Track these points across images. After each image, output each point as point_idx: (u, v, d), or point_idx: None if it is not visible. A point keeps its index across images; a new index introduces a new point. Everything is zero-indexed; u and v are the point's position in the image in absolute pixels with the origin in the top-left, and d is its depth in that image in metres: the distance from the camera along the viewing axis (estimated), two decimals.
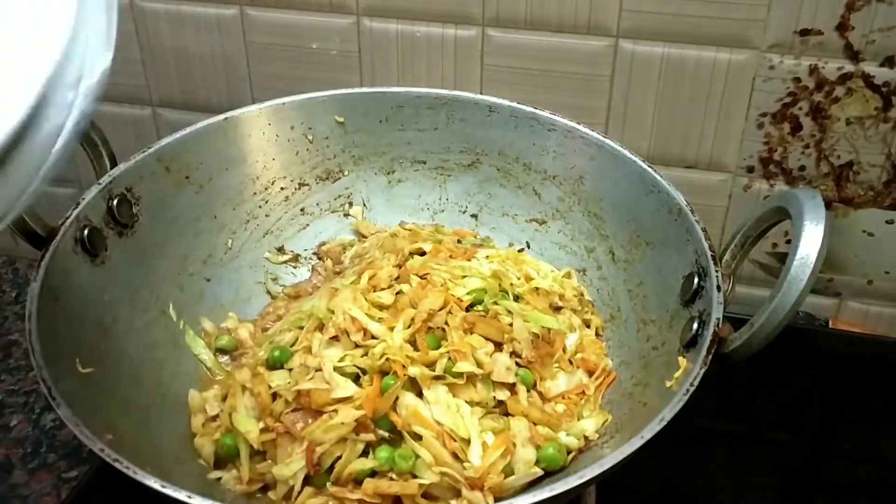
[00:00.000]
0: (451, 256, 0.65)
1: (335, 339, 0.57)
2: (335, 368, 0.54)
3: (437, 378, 0.54)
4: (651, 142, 0.78)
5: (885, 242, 0.78)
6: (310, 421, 0.53)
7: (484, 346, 0.56)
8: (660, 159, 0.78)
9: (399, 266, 0.63)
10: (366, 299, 0.59)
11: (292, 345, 0.59)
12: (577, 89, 0.77)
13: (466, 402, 0.54)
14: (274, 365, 0.57)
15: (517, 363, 0.57)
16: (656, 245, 0.62)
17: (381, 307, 0.58)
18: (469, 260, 0.64)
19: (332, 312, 0.58)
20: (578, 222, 0.68)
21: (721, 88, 0.74)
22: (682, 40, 0.73)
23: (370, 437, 0.52)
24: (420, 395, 0.54)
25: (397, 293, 0.59)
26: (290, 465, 0.52)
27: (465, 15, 0.76)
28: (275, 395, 0.55)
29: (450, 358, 0.55)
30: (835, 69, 0.72)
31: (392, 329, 0.56)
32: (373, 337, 0.56)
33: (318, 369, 0.55)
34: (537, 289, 0.63)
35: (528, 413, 0.55)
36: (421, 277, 0.60)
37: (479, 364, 0.55)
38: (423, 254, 0.66)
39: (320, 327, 0.58)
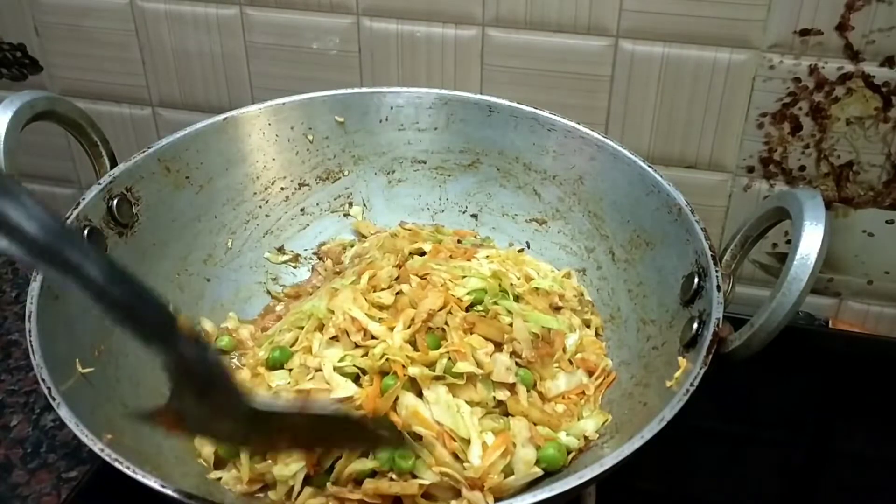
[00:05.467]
0: (450, 256, 0.65)
1: (335, 339, 0.57)
2: (335, 368, 0.54)
3: (437, 378, 0.54)
4: (651, 142, 0.78)
5: (885, 242, 0.78)
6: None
7: (484, 347, 0.56)
8: (660, 159, 0.78)
9: (399, 266, 0.62)
10: (366, 299, 0.59)
11: (292, 345, 0.59)
12: (577, 89, 0.77)
13: (466, 402, 0.54)
14: (274, 365, 0.57)
15: (517, 363, 0.57)
16: (656, 245, 0.62)
17: (381, 307, 0.58)
18: (469, 260, 0.64)
19: (332, 313, 0.58)
20: (578, 222, 0.68)
21: (721, 88, 0.74)
22: (682, 40, 0.73)
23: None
24: (420, 395, 0.54)
25: (397, 293, 0.59)
26: (290, 466, 0.52)
27: (465, 15, 0.76)
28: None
29: (450, 358, 0.55)
30: (835, 69, 0.72)
31: (392, 329, 0.56)
32: (373, 337, 0.56)
33: (318, 369, 0.54)
34: (537, 289, 0.63)
35: (528, 413, 0.55)
36: (421, 278, 0.60)
37: (478, 364, 0.55)
38: (422, 254, 0.65)
39: (320, 327, 0.58)
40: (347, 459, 0.52)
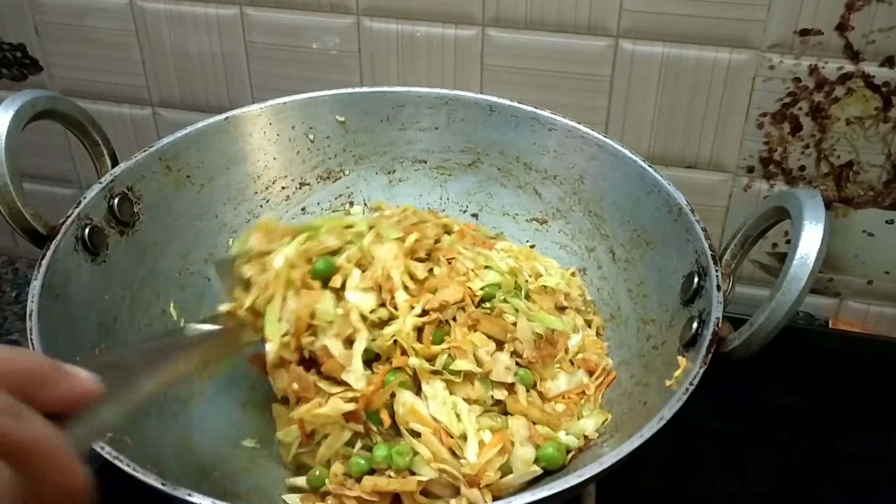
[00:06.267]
0: (474, 243, 0.64)
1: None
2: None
3: (435, 373, 0.54)
4: (651, 142, 0.78)
5: (885, 242, 0.78)
6: (311, 380, 0.54)
7: (486, 345, 0.56)
8: (660, 159, 0.78)
9: (437, 241, 0.61)
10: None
11: (334, 253, 0.58)
12: (577, 89, 0.77)
13: (464, 399, 0.54)
14: (315, 275, 0.56)
15: (517, 363, 0.57)
16: (656, 245, 0.62)
17: (412, 277, 0.57)
18: (490, 249, 0.64)
19: (372, 259, 0.57)
20: (579, 222, 0.68)
21: (721, 88, 0.74)
22: (682, 40, 0.73)
23: (359, 427, 0.53)
24: (419, 390, 0.54)
25: (429, 270, 0.58)
26: (290, 433, 0.55)
27: (465, 15, 0.76)
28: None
29: (449, 354, 0.55)
30: (835, 69, 0.72)
31: (412, 308, 0.55)
32: (395, 307, 0.55)
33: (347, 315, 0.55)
34: (545, 286, 0.63)
35: (527, 412, 0.55)
36: (447, 261, 0.59)
37: (479, 362, 0.55)
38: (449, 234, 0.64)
39: (360, 264, 0.57)
40: (331, 443, 0.53)
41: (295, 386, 0.54)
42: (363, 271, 0.57)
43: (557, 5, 0.74)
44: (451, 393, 0.54)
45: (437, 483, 0.52)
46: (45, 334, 0.50)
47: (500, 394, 0.55)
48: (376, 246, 0.58)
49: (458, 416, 0.53)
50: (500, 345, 0.57)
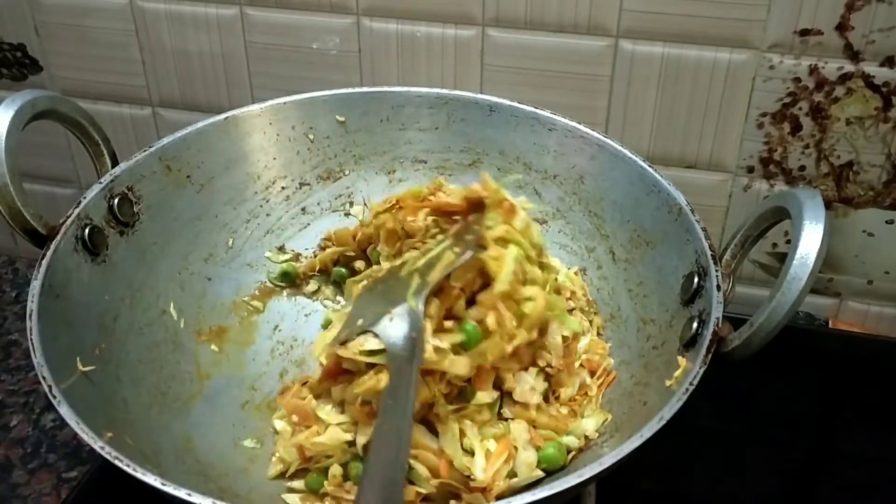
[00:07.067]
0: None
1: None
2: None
3: (457, 411, 0.53)
4: (651, 142, 0.78)
5: (885, 242, 0.78)
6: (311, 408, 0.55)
7: (513, 369, 0.55)
8: (660, 159, 0.78)
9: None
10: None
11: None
12: (577, 89, 0.77)
13: (470, 421, 0.54)
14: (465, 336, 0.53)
15: (547, 371, 0.56)
16: (656, 245, 0.62)
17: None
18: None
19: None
20: (579, 222, 0.68)
21: (721, 88, 0.74)
22: (682, 40, 0.73)
23: (357, 450, 0.53)
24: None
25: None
26: (290, 453, 0.56)
27: (465, 15, 0.76)
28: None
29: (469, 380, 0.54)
30: (835, 69, 0.72)
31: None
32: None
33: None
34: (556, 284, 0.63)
35: (535, 420, 0.55)
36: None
37: (502, 381, 0.54)
38: None
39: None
40: (335, 464, 0.53)
41: (294, 418, 0.56)
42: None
43: (557, 5, 0.74)
44: (461, 417, 0.53)
45: (437, 490, 0.51)
46: (45, 334, 0.50)
47: (510, 413, 0.55)
48: (527, 287, 0.55)
49: (462, 432, 0.53)
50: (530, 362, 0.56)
